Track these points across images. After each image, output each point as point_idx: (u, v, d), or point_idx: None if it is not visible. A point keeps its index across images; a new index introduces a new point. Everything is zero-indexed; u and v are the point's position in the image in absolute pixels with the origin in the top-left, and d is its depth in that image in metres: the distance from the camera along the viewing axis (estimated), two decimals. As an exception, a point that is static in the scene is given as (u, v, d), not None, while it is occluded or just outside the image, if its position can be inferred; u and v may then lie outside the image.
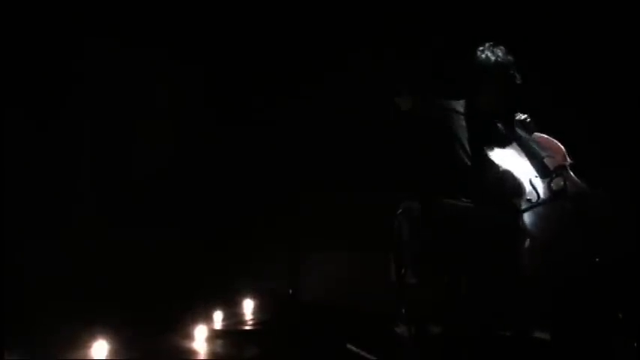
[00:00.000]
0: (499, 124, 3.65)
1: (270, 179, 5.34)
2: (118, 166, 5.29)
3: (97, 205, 5.13)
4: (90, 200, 5.12)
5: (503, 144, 3.59)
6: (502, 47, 3.63)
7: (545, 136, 3.66)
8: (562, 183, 3.39)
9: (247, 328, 4.64)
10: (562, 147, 3.59)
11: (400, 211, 3.70)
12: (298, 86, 5.24)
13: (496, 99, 3.63)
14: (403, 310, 3.70)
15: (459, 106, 3.73)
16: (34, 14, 4.84)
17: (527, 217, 3.33)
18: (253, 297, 4.93)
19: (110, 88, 5.17)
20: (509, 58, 3.62)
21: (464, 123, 3.66)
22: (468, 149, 3.61)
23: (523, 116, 3.69)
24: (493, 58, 3.60)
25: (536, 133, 3.67)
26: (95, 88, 5.14)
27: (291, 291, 5.05)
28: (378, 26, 5.08)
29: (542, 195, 3.39)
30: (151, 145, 5.30)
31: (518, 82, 3.61)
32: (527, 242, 3.30)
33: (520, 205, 3.36)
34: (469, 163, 3.60)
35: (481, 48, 3.64)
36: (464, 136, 3.64)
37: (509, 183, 3.45)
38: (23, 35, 4.83)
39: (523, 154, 3.54)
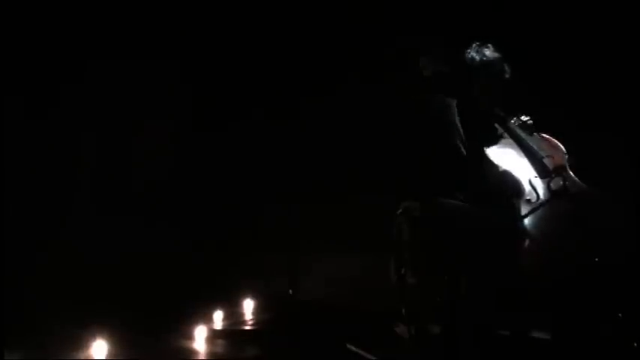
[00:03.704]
0: (496, 124, 3.65)
1: (270, 179, 5.34)
2: (118, 166, 5.29)
3: (97, 205, 5.13)
4: (89, 200, 5.12)
5: (501, 144, 3.59)
6: (489, 45, 3.64)
7: (545, 135, 3.66)
8: (561, 183, 3.40)
9: (247, 328, 4.63)
10: (562, 146, 3.60)
11: (400, 211, 3.70)
12: (297, 88, 5.24)
13: (488, 97, 3.63)
14: (403, 310, 3.70)
15: (455, 105, 3.73)
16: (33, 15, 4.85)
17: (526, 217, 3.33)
18: (253, 297, 4.93)
19: (106, 91, 5.17)
20: (497, 55, 3.62)
21: (461, 123, 3.66)
22: (468, 149, 3.61)
23: (525, 118, 3.68)
24: (478, 58, 3.62)
25: (535, 133, 3.67)
26: (89, 92, 5.15)
27: (291, 291, 5.04)
28: (370, 27, 5.08)
29: (541, 195, 3.39)
30: (151, 145, 5.31)
31: (507, 76, 3.61)
32: (527, 242, 3.30)
33: (519, 206, 3.36)
34: (469, 163, 3.59)
35: (468, 50, 3.66)
36: (463, 135, 3.64)
37: (508, 183, 3.45)
38: (23, 35, 4.84)
39: (522, 154, 3.54)
